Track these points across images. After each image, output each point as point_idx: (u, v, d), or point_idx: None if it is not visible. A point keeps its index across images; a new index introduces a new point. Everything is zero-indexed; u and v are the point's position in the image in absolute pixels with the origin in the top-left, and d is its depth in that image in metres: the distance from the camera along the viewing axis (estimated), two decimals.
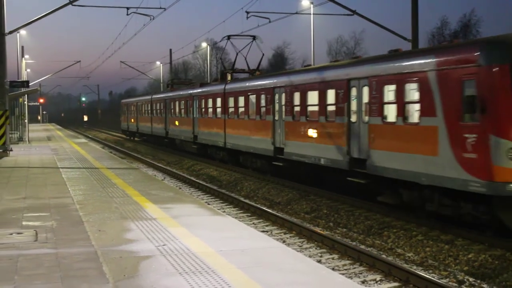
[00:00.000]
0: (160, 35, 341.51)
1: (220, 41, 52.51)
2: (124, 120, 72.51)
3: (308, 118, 24.01)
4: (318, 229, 17.56)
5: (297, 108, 24.90)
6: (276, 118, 27.00)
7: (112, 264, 9.29)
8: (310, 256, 14.34)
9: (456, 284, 12.46)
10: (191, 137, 41.03)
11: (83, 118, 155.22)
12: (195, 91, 40.72)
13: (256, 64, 37.14)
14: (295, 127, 25.05)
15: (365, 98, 19.69)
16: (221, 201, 23.35)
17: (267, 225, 18.52)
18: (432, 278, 12.15)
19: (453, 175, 15.35)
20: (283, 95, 26.25)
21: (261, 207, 21.22)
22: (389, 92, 18.54)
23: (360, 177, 20.00)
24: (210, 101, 36.77)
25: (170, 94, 48.69)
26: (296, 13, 41.64)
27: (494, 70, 14.46)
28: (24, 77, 68.68)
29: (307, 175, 25.80)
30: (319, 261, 13.91)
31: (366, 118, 19.57)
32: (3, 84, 31.50)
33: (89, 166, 25.40)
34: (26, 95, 55.30)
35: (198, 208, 14.68)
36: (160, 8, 37.13)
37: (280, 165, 26.88)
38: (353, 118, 20.51)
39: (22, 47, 68.85)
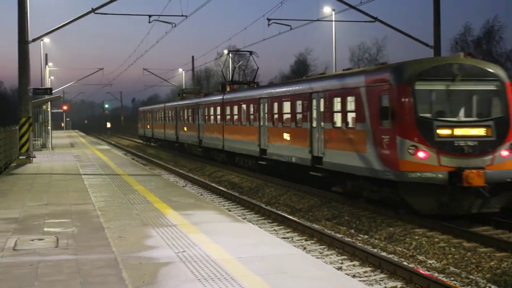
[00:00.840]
0: (182, 43, 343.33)
1: (221, 56, 58.71)
2: (141, 127, 78.56)
3: (283, 124, 28.64)
4: (339, 236, 17.48)
5: (276, 116, 29.53)
6: (261, 124, 31.57)
7: (132, 270, 9.31)
8: (330, 263, 14.29)
9: None
10: (196, 141, 45.88)
11: (106, 125, 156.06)
12: (200, 100, 46.06)
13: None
14: (274, 131, 29.71)
15: (322, 108, 24.34)
16: (242, 208, 23.34)
17: (288, 232, 18.47)
18: (454, 286, 12.05)
19: (376, 167, 19.86)
20: (266, 105, 30.96)
21: (282, 213, 21.18)
22: (337, 103, 23.19)
23: (319, 171, 24.68)
24: (212, 109, 41.79)
25: (180, 102, 53.97)
26: (318, 20, 41.58)
27: (399, 88, 18.99)
28: (48, 85, 69.24)
29: (284, 172, 29.76)
30: (340, 268, 13.85)
31: (322, 124, 24.25)
32: (26, 91, 31.77)
33: (111, 173, 25.52)
34: (49, 102, 55.68)
35: (219, 214, 14.69)
36: (182, 15, 37.21)
37: (264, 164, 31.52)
38: (314, 124, 25.10)
39: (46, 54, 69.50)
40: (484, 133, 18.83)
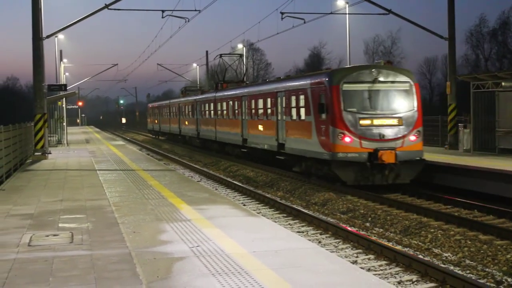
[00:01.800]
0: (196, 37, 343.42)
1: (214, 59, 67.68)
2: (150, 122, 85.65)
3: (258, 118, 34.29)
4: (354, 230, 17.43)
5: (253, 111, 35.26)
6: (243, 118, 37.28)
7: (146, 265, 9.32)
8: (346, 257, 14.25)
9: (494, 285, 12.27)
10: (195, 134, 52.25)
11: (121, 120, 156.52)
12: (198, 97, 51.90)
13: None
14: (252, 124, 35.47)
15: (283, 104, 30.03)
16: (257, 202, 23.32)
17: (303, 226, 18.44)
18: (470, 278, 11.99)
19: (317, 150, 25.58)
20: (246, 102, 36.69)
21: (297, 207, 21.16)
22: (293, 100, 28.69)
23: (283, 155, 30.46)
24: (207, 106, 47.78)
25: (182, 99, 60.06)
26: (331, 13, 41.40)
27: (331, 88, 24.58)
28: (63, 81, 69.43)
29: (259, 157, 35.58)
30: (355, 262, 13.81)
31: (284, 117, 29.93)
32: (41, 88, 31.88)
33: (125, 168, 25.58)
34: (64, 99, 55.87)
35: (233, 209, 14.67)
36: (195, 10, 37.22)
37: (245, 151, 37.48)
38: (279, 117, 30.66)
39: (61, 51, 69.59)
40: (397, 122, 24.52)
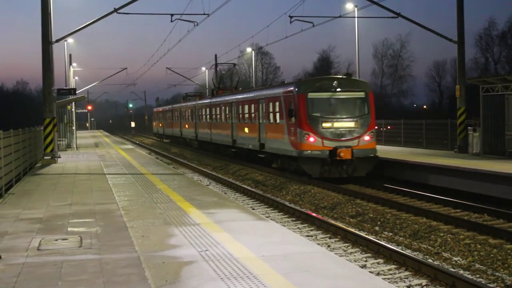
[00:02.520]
0: (204, 41, 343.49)
1: (211, 68, 71.37)
2: (155, 125, 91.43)
3: (245, 121, 38.72)
4: (363, 233, 17.38)
5: (240, 115, 39.72)
6: (233, 121, 41.73)
7: (155, 269, 9.32)
8: (354, 261, 14.23)
9: None
10: (194, 136, 57.11)
11: (130, 124, 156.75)
12: (196, 103, 57.14)
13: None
14: (240, 127, 39.96)
15: (263, 109, 34.49)
16: (266, 206, 23.30)
17: (311, 230, 18.41)
18: (480, 283, 11.93)
19: (288, 149, 30.01)
20: (235, 107, 41.20)
21: (305, 211, 21.13)
22: (271, 106, 33.15)
23: (263, 154, 35.04)
24: (203, 110, 52.58)
25: (183, 104, 65.45)
26: (340, 16, 41.36)
27: (298, 97, 29.01)
28: (72, 85, 69.65)
29: (246, 156, 39.78)
30: (364, 266, 13.78)
31: (264, 120, 34.40)
32: (51, 92, 31.96)
33: (134, 172, 25.61)
34: (74, 103, 56.01)
35: (242, 213, 14.66)
36: (204, 14, 37.20)
37: (234, 151, 42.27)
38: (260, 121, 35.16)
39: (70, 55, 69.76)
40: (353, 125, 28.90)
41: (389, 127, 43.85)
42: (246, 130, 38.33)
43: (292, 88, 30.25)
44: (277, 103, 32.04)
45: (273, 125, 32.83)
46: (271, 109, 33.12)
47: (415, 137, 38.88)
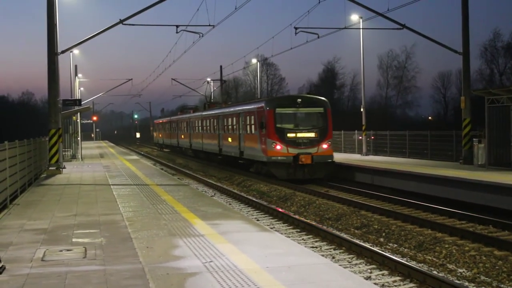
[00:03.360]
0: (210, 52, 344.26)
1: (203, 84, 76.57)
2: (156, 136, 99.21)
3: (228, 132, 44.51)
4: (368, 245, 17.34)
5: (225, 127, 45.52)
6: (220, 132, 47.49)
7: (159, 281, 9.30)
8: (359, 272, 14.20)
9: None
10: (189, 145, 63.23)
11: (135, 135, 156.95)
12: (190, 115, 63.47)
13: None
14: (225, 137, 45.77)
15: (242, 122, 40.25)
16: (271, 217, 23.28)
17: (316, 241, 18.38)
18: None
19: (260, 155, 35.57)
20: (221, 120, 47.01)
21: (310, 222, 21.10)
22: (248, 119, 38.78)
23: (242, 160, 40.88)
24: (196, 122, 58.81)
25: (180, 117, 71.31)
26: (345, 28, 41.41)
27: (267, 112, 34.64)
28: (78, 96, 69.76)
29: (229, 162, 45.65)
30: (368, 278, 13.75)
31: (243, 132, 40.07)
32: (56, 102, 32.02)
33: (139, 183, 25.61)
34: (79, 113, 56.11)
35: (246, 224, 14.64)
36: (209, 25, 37.27)
37: (220, 158, 48.53)
38: (240, 132, 40.79)
39: (75, 66, 69.95)
40: (313, 135, 34.73)
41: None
42: (230, 139, 44.13)
43: (263, 105, 36.27)
44: (252, 117, 37.89)
45: (249, 135, 38.56)
46: (248, 122, 39.00)
47: (420, 149, 38.83)
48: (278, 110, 35.14)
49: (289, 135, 34.40)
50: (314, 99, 36.89)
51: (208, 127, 52.49)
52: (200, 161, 56.64)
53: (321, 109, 35.58)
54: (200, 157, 59.02)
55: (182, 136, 67.82)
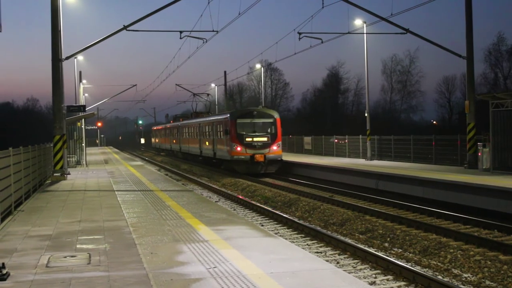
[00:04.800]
0: (214, 57, 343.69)
1: (189, 98, 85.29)
2: (154, 141, 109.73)
3: (206, 137, 54.72)
4: (372, 250, 17.31)
5: (204, 133, 55.74)
6: (200, 137, 58.19)
7: (163, 286, 9.29)
8: (364, 278, 14.17)
9: None
10: (179, 149, 74.13)
11: (139, 141, 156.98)
12: (180, 123, 73.48)
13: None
14: (203, 141, 56.32)
15: (217, 129, 49.33)
16: (275, 222, 23.26)
17: (321, 246, 18.36)
18: None
19: (227, 155, 45.23)
20: (202, 127, 57.15)
21: (315, 227, 21.08)
22: (219, 126, 48.24)
23: (215, 160, 50.83)
24: (184, 129, 69.12)
25: (173, 124, 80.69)
26: (349, 32, 41.41)
27: (231, 121, 44.34)
28: (82, 102, 69.84)
29: (208, 161, 55.45)
30: (373, 283, 13.73)
31: (215, 137, 49.71)
32: (60, 109, 32.08)
33: (144, 189, 25.63)
34: (83, 119, 56.19)
35: (251, 229, 14.62)
36: (213, 31, 37.33)
37: (201, 159, 59.34)
38: (214, 137, 50.82)
39: (80, 72, 69.99)
40: (266, 139, 44.17)
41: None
42: (207, 143, 54.81)
43: (228, 116, 46.27)
44: (221, 126, 47.90)
45: (219, 140, 48.60)
46: (218, 129, 49.01)
47: (425, 153, 38.77)
48: (239, 120, 44.89)
49: (247, 139, 44.16)
50: (267, 112, 46.60)
51: (192, 134, 63.51)
52: (204, 166, 56.85)
53: (271, 119, 45.24)
54: (187, 158, 68.48)
55: (174, 141, 78.64)
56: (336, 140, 52.63)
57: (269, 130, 44.63)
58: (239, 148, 43.79)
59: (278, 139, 44.44)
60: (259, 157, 43.36)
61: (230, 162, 45.20)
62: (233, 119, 44.78)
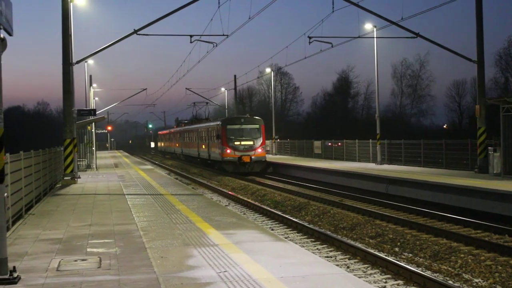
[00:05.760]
0: (224, 62, 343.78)
1: (189, 106, 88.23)
2: (159, 144, 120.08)
3: (202, 141, 62.14)
4: (383, 254, 17.27)
5: (201, 137, 63.04)
6: (198, 141, 65.26)
7: None
8: (374, 282, 14.14)
9: None
10: (181, 152, 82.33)
11: (149, 144, 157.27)
12: (181, 128, 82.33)
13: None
14: (200, 145, 63.55)
15: (211, 134, 56.82)
16: (285, 227, 23.25)
17: (331, 251, 18.33)
18: None
19: (218, 156, 53.07)
20: (198, 132, 64.94)
21: (325, 232, 21.05)
22: (212, 132, 56.49)
23: (210, 161, 58.08)
24: (185, 134, 77.50)
25: (176, 129, 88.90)
26: (359, 37, 41.43)
27: (222, 127, 52.09)
28: (92, 106, 69.99)
29: (204, 163, 62.50)
30: (384, 287, 13.68)
31: (210, 141, 57.27)
32: (71, 112, 32.17)
33: (154, 193, 25.66)
34: (94, 123, 56.34)
35: (261, 234, 14.61)
36: (223, 35, 37.40)
37: (199, 160, 65.68)
38: (208, 141, 58.09)
39: (90, 76, 70.12)
40: (251, 143, 50.68)
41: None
42: (203, 147, 62.30)
43: (219, 123, 54.05)
44: (214, 131, 55.49)
45: (213, 143, 56.15)
46: (212, 134, 56.26)
47: (435, 157, 38.67)
48: (229, 126, 52.09)
49: (235, 143, 51.22)
50: (253, 119, 53.39)
51: (191, 138, 71.35)
52: (214, 170, 56.97)
53: (257, 126, 52.27)
54: (188, 160, 76.10)
55: (177, 145, 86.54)
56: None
57: (254, 135, 51.71)
58: (228, 151, 50.85)
59: (263, 143, 51.79)
60: (245, 158, 50.40)
61: (221, 163, 52.29)
62: (224, 126, 52.04)
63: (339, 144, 53.90)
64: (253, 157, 50.37)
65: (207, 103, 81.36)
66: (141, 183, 31.06)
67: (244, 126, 51.99)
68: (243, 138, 51.18)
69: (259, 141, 51.24)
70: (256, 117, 54.42)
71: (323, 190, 35.14)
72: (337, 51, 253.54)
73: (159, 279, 10.01)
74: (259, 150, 51.00)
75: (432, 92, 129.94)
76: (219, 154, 52.20)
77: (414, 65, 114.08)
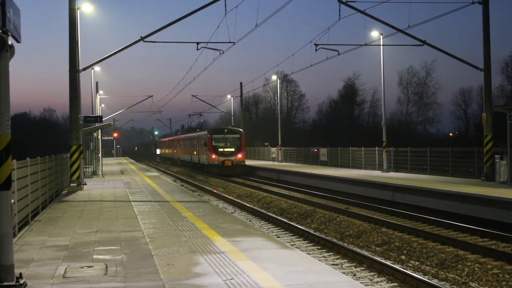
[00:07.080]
0: (230, 69, 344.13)
1: (187, 116, 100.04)
2: (160, 151, 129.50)
3: (194, 148, 72.56)
4: (389, 262, 17.21)
5: (193, 145, 72.67)
6: (191, 148, 73.85)
7: None
8: None
9: None
10: (178, 157, 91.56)
11: (155, 151, 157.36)
12: (178, 136, 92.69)
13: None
14: (192, 151, 73.83)
15: (200, 142, 67.42)
16: (291, 234, 23.20)
17: (337, 258, 18.28)
18: None
19: (206, 161, 63.65)
20: (191, 140, 74.27)
21: (331, 239, 21.00)
22: (201, 140, 66.84)
23: (200, 165, 68.78)
24: (181, 142, 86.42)
25: (174, 137, 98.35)
26: (365, 44, 41.42)
27: (208, 137, 62.74)
28: (99, 112, 70.13)
29: (195, 167, 72.00)
30: None
31: (199, 148, 68.06)
32: (77, 119, 32.22)
33: (160, 200, 25.65)
34: (100, 130, 56.41)
35: (267, 241, 14.59)
36: (230, 42, 37.45)
37: (191, 164, 75.32)
38: (198, 148, 69.00)
39: (97, 82, 70.28)
40: (233, 150, 61.33)
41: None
42: (194, 153, 71.89)
43: (206, 132, 64.20)
44: (202, 139, 64.92)
45: (202, 150, 65.44)
46: (201, 142, 65.81)
47: (442, 165, 38.57)
48: (214, 136, 62.11)
49: (219, 149, 60.92)
50: (234, 129, 64.63)
51: (186, 145, 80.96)
52: (220, 177, 57.14)
53: (237, 135, 62.36)
54: (183, 165, 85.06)
55: (175, 151, 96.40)
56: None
57: (235, 143, 61.74)
58: (213, 156, 60.85)
59: (242, 150, 61.88)
60: (228, 162, 60.33)
61: (208, 166, 62.91)
62: (210, 135, 62.24)
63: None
64: (234, 161, 60.60)
65: (200, 114, 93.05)
66: (147, 190, 31.07)
67: (227, 136, 62.54)
68: (226, 145, 61.43)
69: (239, 149, 61.49)
70: (237, 128, 66.86)
71: (329, 197, 35.09)
72: (343, 58, 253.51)
73: (165, 286, 10.00)
74: (239, 155, 61.18)
75: (438, 99, 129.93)
76: (206, 159, 62.45)
77: (420, 72, 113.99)
